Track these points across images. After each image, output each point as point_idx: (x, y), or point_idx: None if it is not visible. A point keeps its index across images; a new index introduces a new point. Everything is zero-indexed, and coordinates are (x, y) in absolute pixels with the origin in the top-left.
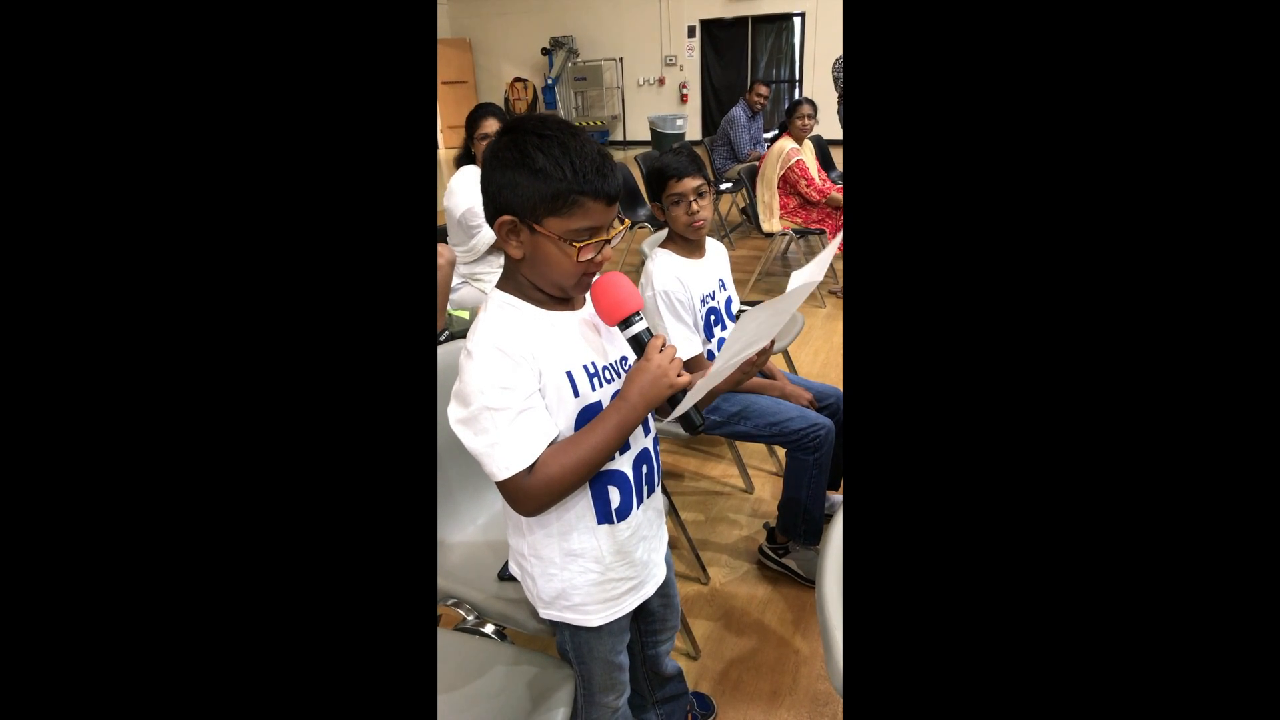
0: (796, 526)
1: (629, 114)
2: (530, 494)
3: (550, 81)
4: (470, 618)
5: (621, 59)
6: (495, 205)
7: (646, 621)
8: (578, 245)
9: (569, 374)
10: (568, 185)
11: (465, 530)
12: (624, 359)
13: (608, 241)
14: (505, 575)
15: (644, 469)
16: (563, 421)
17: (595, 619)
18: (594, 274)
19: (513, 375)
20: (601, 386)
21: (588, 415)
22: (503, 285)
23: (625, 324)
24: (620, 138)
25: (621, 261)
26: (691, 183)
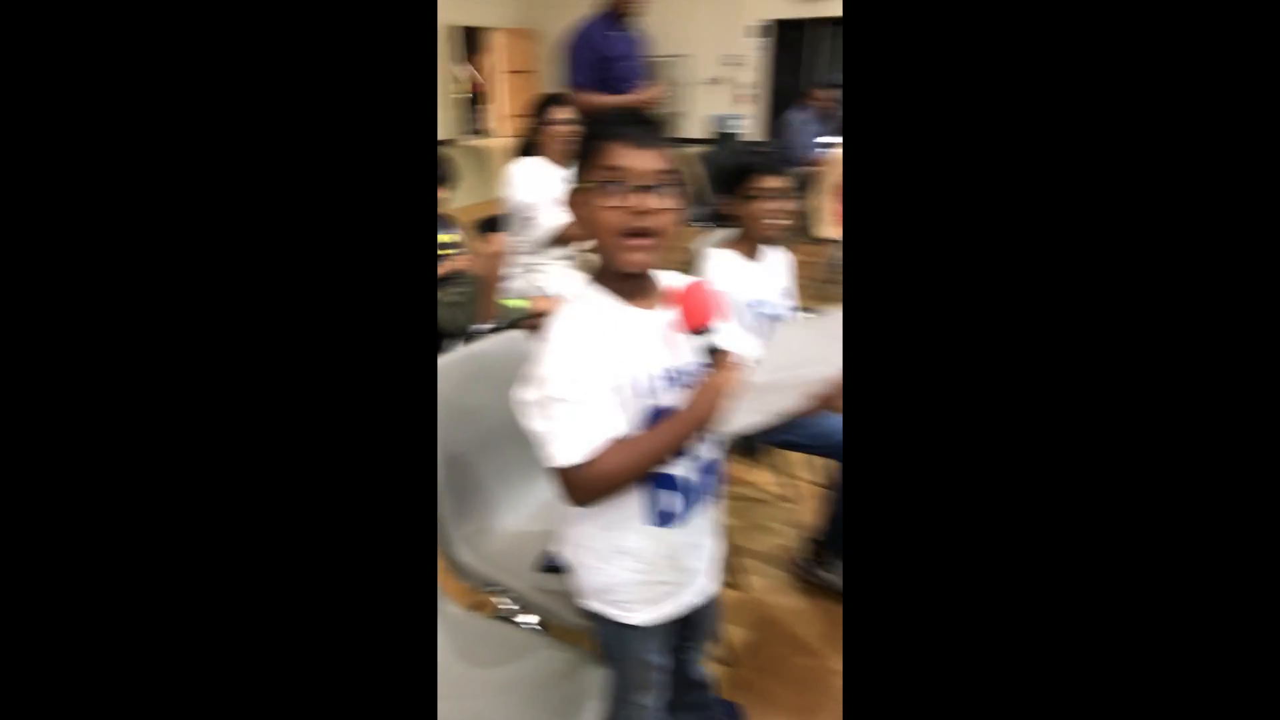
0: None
1: (691, 111)
2: (583, 486)
3: None
4: (510, 606)
5: (687, 56)
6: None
7: (682, 626)
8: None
9: (644, 374)
10: (592, 134)
11: (512, 517)
12: (701, 365)
13: (646, 188)
14: (546, 566)
15: (704, 479)
16: (633, 420)
17: (635, 616)
18: (640, 232)
19: (586, 368)
20: (675, 390)
21: (657, 418)
22: (595, 278)
23: (702, 333)
24: (681, 134)
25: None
26: (780, 181)
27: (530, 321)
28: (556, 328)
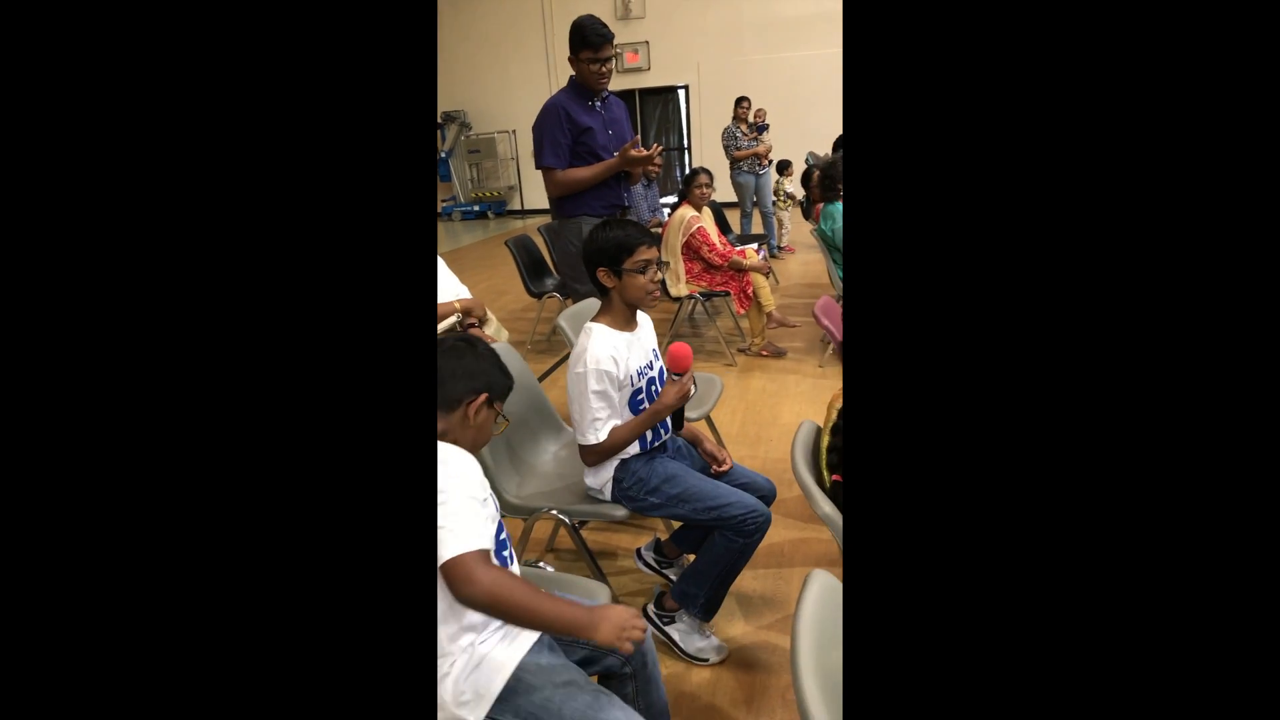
0: (696, 599)
1: (525, 184)
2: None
3: (444, 155)
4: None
5: (514, 131)
6: (472, 387)
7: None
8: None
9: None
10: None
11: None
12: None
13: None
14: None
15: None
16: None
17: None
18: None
19: (476, 475)
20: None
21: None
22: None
23: (679, 373)
24: (518, 207)
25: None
26: (654, 251)
27: None
28: (461, 481)
